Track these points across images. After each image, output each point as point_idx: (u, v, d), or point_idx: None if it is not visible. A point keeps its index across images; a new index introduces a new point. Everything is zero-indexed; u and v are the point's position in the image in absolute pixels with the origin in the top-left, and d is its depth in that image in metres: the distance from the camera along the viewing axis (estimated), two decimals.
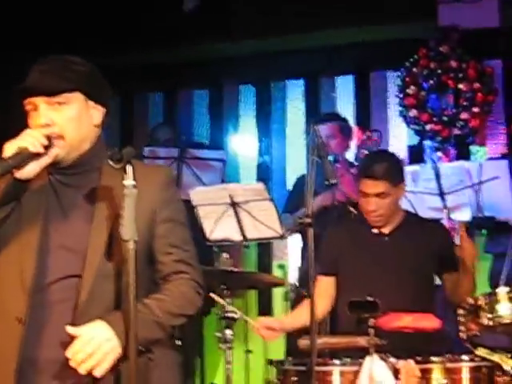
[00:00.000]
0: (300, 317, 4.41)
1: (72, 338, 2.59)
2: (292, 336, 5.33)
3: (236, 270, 5.20)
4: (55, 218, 2.79)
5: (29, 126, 2.74)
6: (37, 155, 2.62)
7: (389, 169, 4.69)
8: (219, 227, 5.45)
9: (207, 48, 7.78)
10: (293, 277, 6.80)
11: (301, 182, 5.77)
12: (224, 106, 8.15)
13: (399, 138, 7.52)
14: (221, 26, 7.35)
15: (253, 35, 7.49)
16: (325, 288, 4.68)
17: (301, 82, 7.96)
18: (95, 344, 2.57)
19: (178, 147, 6.51)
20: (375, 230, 4.70)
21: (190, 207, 5.54)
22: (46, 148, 2.64)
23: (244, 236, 5.46)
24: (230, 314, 4.26)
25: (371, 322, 3.95)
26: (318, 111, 7.61)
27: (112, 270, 2.73)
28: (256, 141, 7.96)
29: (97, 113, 2.83)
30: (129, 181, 2.47)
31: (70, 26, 7.32)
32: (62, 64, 2.77)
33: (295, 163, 7.65)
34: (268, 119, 7.95)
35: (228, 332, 4.20)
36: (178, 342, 5.87)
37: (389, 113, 7.68)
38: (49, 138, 2.65)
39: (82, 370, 2.55)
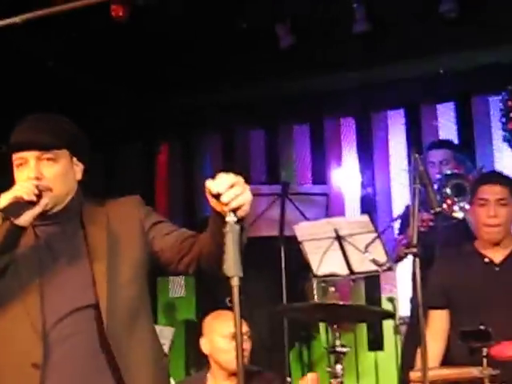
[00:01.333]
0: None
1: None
2: (404, 369, 5.29)
3: (343, 303, 5.19)
4: (48, 262, 2.92)
5: (14, 178, 2.92)
6: (30, 204, 2.76)
7: (508, 178, 4.74)
8: (325, 262, 5.42)
9: (307, 83, 7.81)
10: (403, 309, 6.73)
11: (407, 211, 5.73)
12: (325, 139, 8.13)
13: (504, 164, 7.40)
14: (321, 60, 7.38)
15: (353, 67, 7.52)
16: (440, 326, 4.62)
17: (401, 111, 7.90)
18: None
19: (280, 183, 6.54)
20: (486, 260, 4.64)
21: (295, 242, 5.59)
22: (38, 198, 2.78)
23: (351, 270, 5.44)
24: (340, 349, 4.22)
25: (484, 351, 3.90)
26: (419, 140, 7.55)
27: (121, 286, 2.90)
28: (358, 173, 7.93)
29: (79, 169, 3.04)
30: (231, 217, 2.51)
31: (172, 65, 7.43)
32: (53, 123, 2.97)
33: (400, 193, 7.60)
34: (369, 151, 7.91)
35: (338, 367, 4.17)
36: (288, 379, 5.89)
37: (493, 138, 7.56)
38: (39, 189, 2.79)
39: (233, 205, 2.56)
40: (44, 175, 2.88)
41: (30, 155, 2.88)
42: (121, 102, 7.73)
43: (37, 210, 2.80)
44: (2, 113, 6.05)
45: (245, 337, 4.32)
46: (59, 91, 7.10)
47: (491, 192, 4.61)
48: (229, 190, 2.50)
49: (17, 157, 2.91)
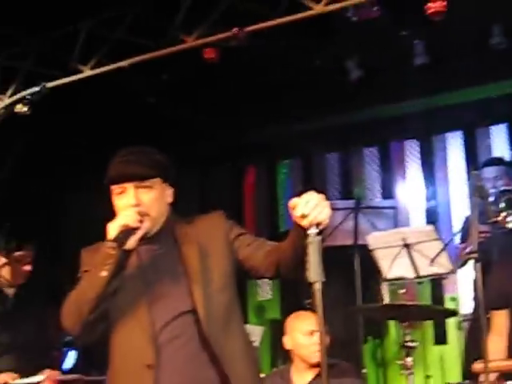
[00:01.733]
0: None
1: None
2: (468, 361, 5.20)
3: (412, 303, 5.15)
4: (151, 276, 2.98)
5: (116, 203, 2.97)
6: (134, 230, 2.82)
7: None
8: (394, 267, 5.39)
9: (374, 110, 7.81)
10: (464, 308, 6.65)
11: (467, 221, 5.66)
12: (391, 159, 8.11)
13: None
14: (386, 90, 7.36)
15: (415, 96, 7.51)
16: (502, 323, 4.53)
17: (459, 133, 7.83)
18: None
19: (354, 199, 6.52)
20: None
21: (368, 251, 5.56)
22: (140, 223, 2.86)
23: (417, 273, 5.39)
24: (409, 344, 4.17)
25: None
26: (476, 158, 7.46)
27: (217, 292, 2.93)
28: (423, 188, 7.88)
29: (169, 193, 3.07)
30: (312, 230, 2.52)
31: (260, 100, 7.48)
32: (147, 155, 3.01)
33: (459, 205, 7.52)
34: (432, 168, 7.85)
35: (409, 359, 4.12)
36: (364, 371, 5.84)
37: None
38: (140, 215, 2.86)
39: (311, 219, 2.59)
40: (142, 201, 2.93)
41: (129, 185, 2.93)
42: (215, 131, 7.79)
43: (140, 233, 2.87)
44: (109, 142, 6.18)
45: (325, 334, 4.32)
46: (159, 123, 7.20)
47: None
48: (313, 210, 2.53)
49: (117, 187, 2.96)
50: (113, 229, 2.82)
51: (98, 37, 5.62)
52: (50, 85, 5.75)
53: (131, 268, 2.94)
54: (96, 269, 2.84)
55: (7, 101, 5.86)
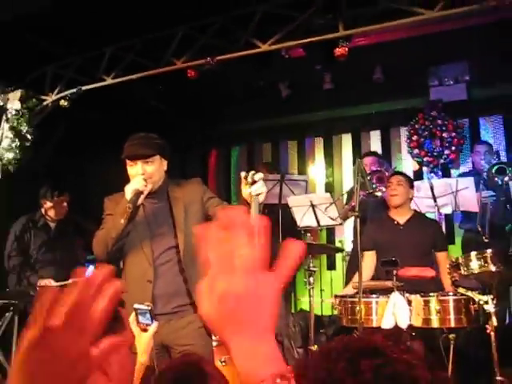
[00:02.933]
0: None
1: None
2: (346, 281, 5.31)
3: (314, 243, 5.23)
4: (153, 222, 3.06)
5: (128, 173, 3.02)
6: (141, 192, 2.92)
7: (403, 173, 4.91)
8: (304, 219, 5.45)
9: (298, 117, 7.74)
10: (348, 247, 6.71)
11: (351, 191, 5.74)
12: (305, 149, 8.06)
13: (407, 167, 7.40)
14: (307, 104, 7.35)
15: (324, 108, 7.54)
16: (370, 259, 4.64)
17: (349, 135, 7.83)
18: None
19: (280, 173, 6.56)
20: (395, 222, 4.66)
21: (288, 208, 5.61)
22: (145, 186, 2.94)
23: (318, 223, 5.46)
24: (312, 268, 4.24)
25: (394, 272, 3.93)
26: (360, 151, 7.49)
27: (190, 236, 3.00)
28: (324, 169, 7.89)
29: (165, 163, 3.11)
30: (256, 189, 2.57)
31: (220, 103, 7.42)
32: (149, 139, 3.05)
33: (348, 182, 7.59)
34: (331, 156, 7.87)
35: (311, 278, 4.20)
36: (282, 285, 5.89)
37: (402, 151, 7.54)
38: (145, 181, 2.95)
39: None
40: (147, 171, 2.99)
41: (138, 161, 3.00)
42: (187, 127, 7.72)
43: (145, 193, 2.96)
44: (119, 129, 6.10)
45: None
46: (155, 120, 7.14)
47: (394, 178, 4.67)
48: (258, 183, 2.61)
49: (129, 162, 3.02)
50: (128, 191, 2.92)
51: (117, 57, 5.54)
52: (84, 88, 5.66)
53: (139, 216, 3.03)
54: (116, 217, 2.93)
55: (54, 97, 5.75)
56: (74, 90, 5.59)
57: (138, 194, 2.92)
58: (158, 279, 2.97)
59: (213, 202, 3.15)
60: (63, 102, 5.64)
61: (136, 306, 2.55)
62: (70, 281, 4.24)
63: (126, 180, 3.02)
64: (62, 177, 6.12)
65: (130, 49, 5.44)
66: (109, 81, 5.53)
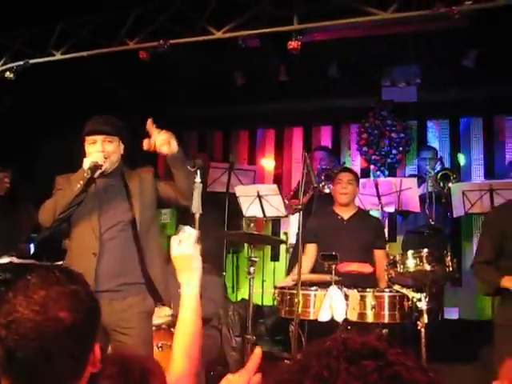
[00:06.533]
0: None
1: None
2: (288, 272, 5.37)
3: (258, 233, 5.27)
4: (104, 198, 3.09)
5: (86, 151, 3.04)
6: (99, 166, 2.94)
7: (352, 171, 4.95)
8: (250, 208, 5.50)
9: (251, 106, 7.71)
10: (292, 239, 6.77)
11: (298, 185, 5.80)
12: (257, 140, 8.09)
13: (355, 163, 7.51)
14: (261, 94, 7.32)
15: (277, 100, 7.51)
16: (311, 252, 4.68)
17: (300, 128, 7.89)
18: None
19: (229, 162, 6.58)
20: (339, 217, 4.73)
21: (235, 197, 5.64)
22: (103, 163, 2.97)
23: (264, 214, 5.51)
24: (253, 259, 4.25)
25: (333, 266, 4.00)
26: (310, 145, 7.54)
27: (147, 209, 3.08)
28: (273, 161, 7.89)
29: (122, 148, 3.16)
30: (197, 178, 2.57)
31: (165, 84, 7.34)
32: (111, 120, 3.11)
33: (296, 175, 7.61)
34: (281, 149, 7.88)
35: (252, 268, 4.22)
36: (224, 273, 5.94)
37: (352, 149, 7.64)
38: (104, 157, 2.99)
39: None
40: (106, 150, 3.03)
41: (99, 138, 3.04)
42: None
43: (102, 169, 2.98)
44: (71, 106, 5.99)
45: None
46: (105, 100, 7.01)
47: (344, 176, 4.73)
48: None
49: (90, 138, 3.05)
50: (87, 162, 2.94)
51: (69, 33, 5.42)
52: (31, 61, 5.52)
53: (90, 191, 3.02)
54: (70, 185, 2.94)
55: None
56: (21, 63, 5.43)
57: (97, 166, 2.95)
58: (104, 254, 2.98)
59: (162, 183, 3.22)
60: (9, 74, 5.48)
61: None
62: (4, 260, 4.17)
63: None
64: (6, 151, 5.95)
65: (83, 26, 5.33)
66: (58, 56, 5.39)
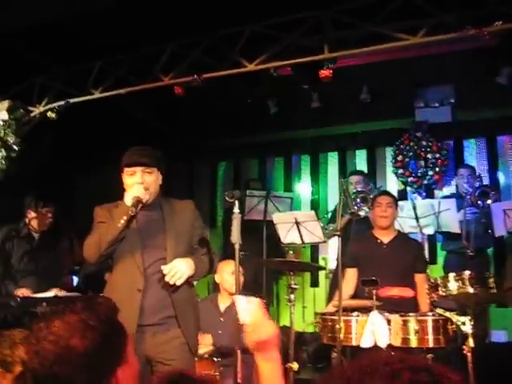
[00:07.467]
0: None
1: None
2: (330, 298, 5.35)
3: (298, 260, 5.26)
4: (145, 233, 3.07)
5: (124, 183, 3.04)
6: (141, 201, 2.95)
7: (391, 194, 4.99)
8: (288, 236, 5.49)
9: (285, 133, 7.82)
10: (332, 265, 6.72)
11: (335, 209, 5.79)
12: (293, 166, 8.09)
13: (392, 185, 7.47)
14: (295, 122, 7.42)
15: (311, 126, 7.60)
16: (351, 277, 4.67)
17: (335, 153, 7.86)
18: (178, 267, 2.94)
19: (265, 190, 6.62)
20: (379, 241, 4.71)
21: (272, 224, 5.66)
22: (145, 195, 2.98)
23: (302, 241, 5.50)
24: (293, 286, 4.25)
25: (374, 291, 3.98)
26: (345, 170, 7.55)
27: (178, 251, 3.05)
28: (310, 187, 7.91)
29: (161, 178, 3.14)
30: (236, 209, 2.63)
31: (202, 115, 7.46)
32: (149, 151, 3.08)
33: (333, 200, 7.61)
34: (317, 175, 7.90)
35: (292, 296, 4.22)
36: (264, 301, 5.88)
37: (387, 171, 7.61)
38: (144, 190, 2.98)
39: (171, 280, 2.91)
40: (145, 181, 3.03)
41: (138, 169, 3.02)
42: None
43: (143, 202, 2.99)
44: (110, 142, 6.12)
45: (241, 275, 4.38)
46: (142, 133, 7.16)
47: (384, 199, 4.72)
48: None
49: (129, 170, 3.03)
50: (129, 198, 2.95)
51: (105, 71, 5.58)
52: (72, 101, 5.70)
53: (133, 226, 3.03)
54: (114, 221, 2.94)
55: (42, 109, 5.78)
56: (62, 103, 5.61)
57: (139, 201, 2.96)
58: (149, 289, 2.99)
59: (197, 232, 3.22)
60: (51, 114, 5.66)
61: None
62: (50, 294, 4.27)
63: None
64: (48, 188, 6.13)
65: (119, 63, 5.48)
66: (97, 94, 5.55)
